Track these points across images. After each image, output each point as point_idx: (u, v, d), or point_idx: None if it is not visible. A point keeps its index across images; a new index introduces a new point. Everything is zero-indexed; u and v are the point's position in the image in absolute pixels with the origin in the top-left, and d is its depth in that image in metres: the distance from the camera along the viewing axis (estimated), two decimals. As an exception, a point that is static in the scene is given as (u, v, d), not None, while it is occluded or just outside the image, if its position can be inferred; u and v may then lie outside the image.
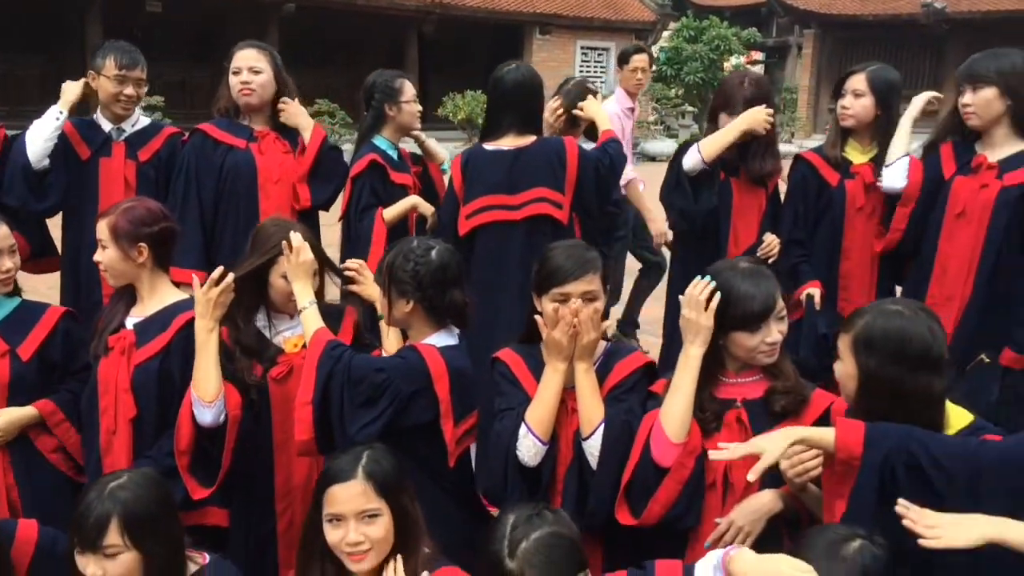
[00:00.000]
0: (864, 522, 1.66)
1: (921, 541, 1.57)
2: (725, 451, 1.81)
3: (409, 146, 3.70)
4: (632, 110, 5.06)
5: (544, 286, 2.21)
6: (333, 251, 2.97)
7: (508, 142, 3.17)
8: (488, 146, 3.21)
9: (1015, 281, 2.79)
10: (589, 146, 3.43)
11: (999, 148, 2.91)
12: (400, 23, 17.97)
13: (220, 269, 2.30)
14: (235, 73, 3.22)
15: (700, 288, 2.02)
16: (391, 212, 3.31)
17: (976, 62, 2.94)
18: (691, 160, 3.18)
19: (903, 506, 1.63)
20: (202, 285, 2.26)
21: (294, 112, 3.32)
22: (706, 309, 2.00)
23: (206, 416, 2.26)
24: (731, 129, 3.14)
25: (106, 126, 3.29)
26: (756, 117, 3.11)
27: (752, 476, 1.75)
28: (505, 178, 3.11)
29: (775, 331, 2.01)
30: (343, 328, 2.51)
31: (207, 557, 1.93)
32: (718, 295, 2.00)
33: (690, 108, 22.24)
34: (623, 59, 5.06)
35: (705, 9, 24.91)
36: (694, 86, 21.51)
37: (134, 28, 14.76)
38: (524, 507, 1.76)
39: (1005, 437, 1.78)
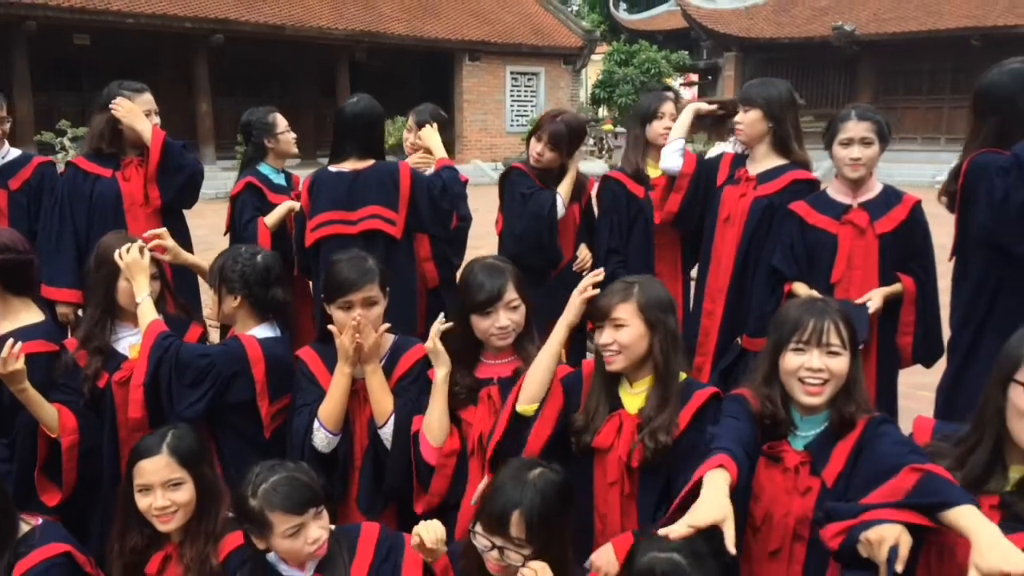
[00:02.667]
0: None
1: None
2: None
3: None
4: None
5: (331, 296, 2.58)
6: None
7: (349, 165, 3.56)
8: (332, 168, 3.61)
9: (759, 277, 3.28)
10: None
11: (760, 163, 3.41)
12: (330, 52, 18.36)
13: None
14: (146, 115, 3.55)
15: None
16: (271, 218, 3.76)
17: (748, 88, 3.45)
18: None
19: None
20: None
21: (128, 110, 3.49)
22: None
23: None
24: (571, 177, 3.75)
25: None
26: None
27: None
28: (345, 196, 3.50)
29: (503, 318, 2.43)
30: (186, 337, 2.87)
31: (40, 520, 2.28)
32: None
33: (621, 129, 22.95)
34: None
35: (638, 33, 25.82)
36: (626, 108, 22.26)
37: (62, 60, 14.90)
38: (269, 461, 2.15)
39: None
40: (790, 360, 2.05)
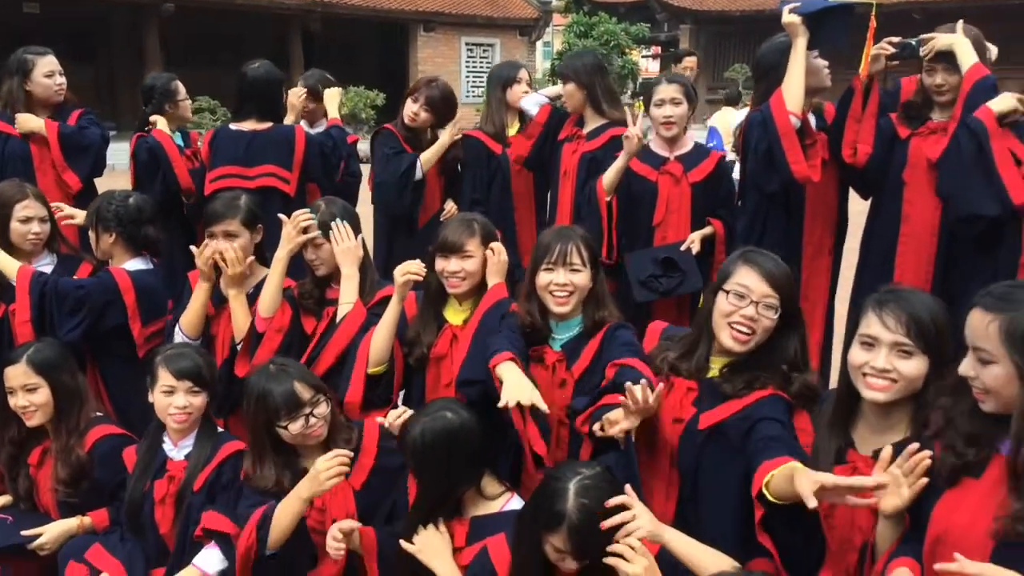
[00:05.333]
0: None
1: None
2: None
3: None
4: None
5: (204, 224, 3.06)
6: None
7: (248, 125, 3.97)
8: (233, 127, 4.02)
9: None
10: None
11: (589, 124, 3.89)
12: (283, 21, 18.52)
13: None
14: (48, 76, 4.00)
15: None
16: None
17: (563, 63, 3.95)
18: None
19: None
20: None
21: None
22: None
23: None
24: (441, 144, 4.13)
25: None
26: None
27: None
28: (243, 154, 3.91)
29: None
30: (78, 273, 3.27)
31: None
32: None
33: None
34: (677, 60, 7.71)
35: (599, 5, 26.06)
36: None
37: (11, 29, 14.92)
38: None
39: None
40: (542, 278, 2.50)
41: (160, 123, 4.04)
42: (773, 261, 2.18)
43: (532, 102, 4.11)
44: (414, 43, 20.35)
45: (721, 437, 2.14)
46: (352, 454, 2.36)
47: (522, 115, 4.24)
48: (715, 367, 2.25)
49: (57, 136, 3.95)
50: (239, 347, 2.97)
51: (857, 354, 1.91)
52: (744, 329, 2.14)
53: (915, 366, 1.87)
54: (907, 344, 1.86)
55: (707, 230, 3.60)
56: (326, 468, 2.29)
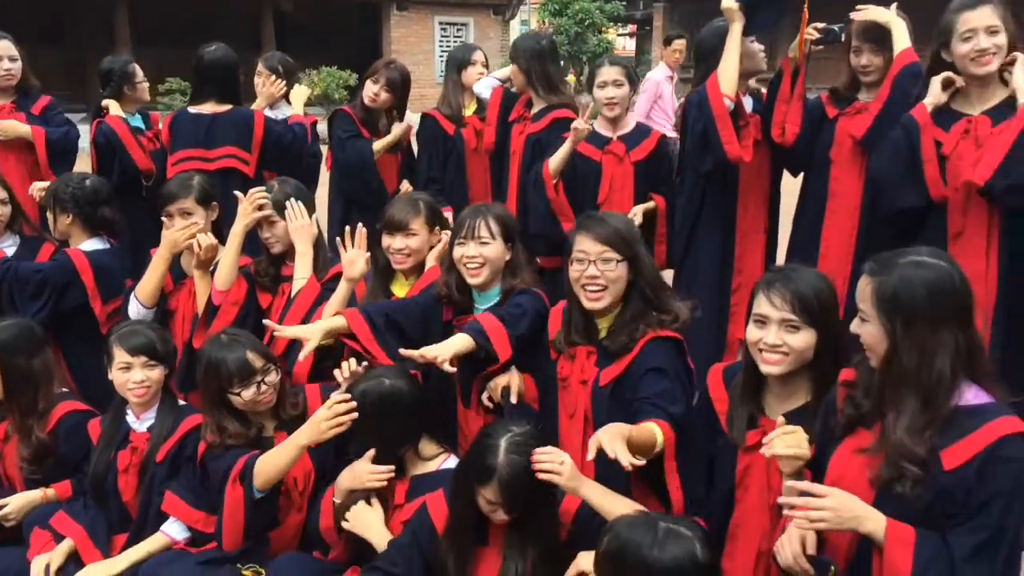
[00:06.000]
0: None
1: (819, 525, 1.75)
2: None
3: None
4: (671, 77, 7.11)
5: (160, 204, 3.19)
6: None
7: (208, 108, 4.06)
8: (192, 110, 4.11)
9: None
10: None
11: (535, 106, 4.04)
12: (255, 2, 18.37)
13: None
14: None
15: None
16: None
17: (513, 43, 4.11)
18: None
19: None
20: None
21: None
22: None
23: None
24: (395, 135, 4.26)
25: None
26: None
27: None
28: (203, 136, 4.01)
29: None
30: (40, 254, 3.38)
31: None
32: None
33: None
34: (667, 42, 7.51)
35: (575, -16, 25.99)
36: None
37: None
38: None
39: None
40: (456, 251, 2.68)
41: (113, 107, 4.11)
42: (602, 221, 2.40)
43: (484, 86, 4.25)
44: (387, 23, 20.23)
45: (622, 392, 2.32)
46: (355, 404, 2.41)
47: (479, 97, 4.37)
48: (603, 328, 2.44)
49: (44, 143, 4.04)
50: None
51: (752, 332, 2.09)
52: (593, 288, 2.35)
53: (803, 339, 2.03)
54: (793, 319, 2.02)
55: (649, 204, 3.76)
56: (327, 417, 2.38)
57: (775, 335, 2.03)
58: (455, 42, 21.68)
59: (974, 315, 1.77)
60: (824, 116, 3.45)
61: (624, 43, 29.18)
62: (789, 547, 1.80)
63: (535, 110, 4.01)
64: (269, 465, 2.50)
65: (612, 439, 1.91)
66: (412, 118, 4.43)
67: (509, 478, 2.05)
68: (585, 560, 2.02)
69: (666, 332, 2.35)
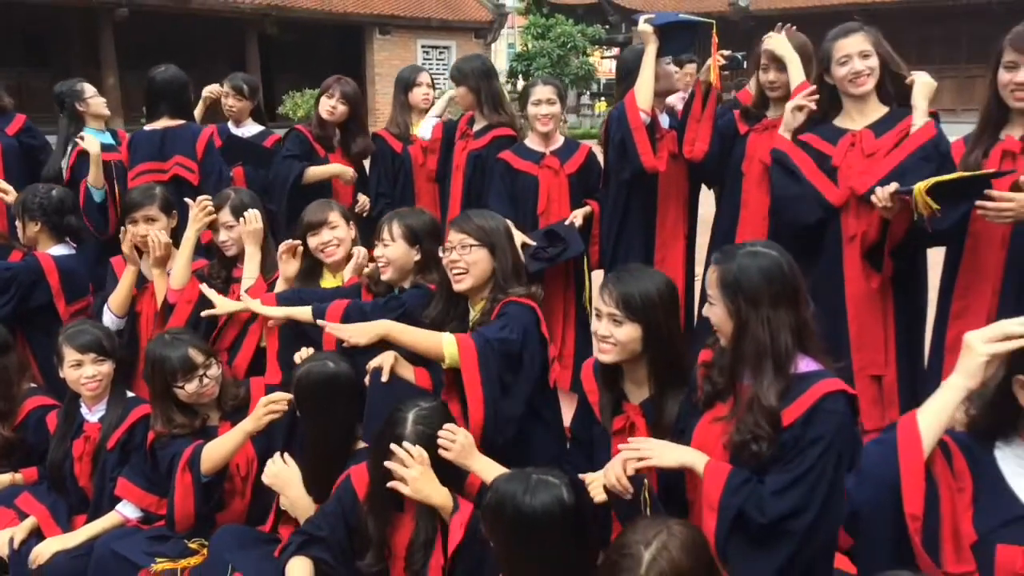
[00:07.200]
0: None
1: (645, 463, 2.04)
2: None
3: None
4: (683, 98, 7.18)
5: (124, 212, 3.47)
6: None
7: (161, 124, 4.38)
8: (147, 128, 4.42)
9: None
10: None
11: (477, 124, 4.35)
12: (239, 24, 18.76)
13: None
14: None
15: None
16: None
17: (454, 67, 4.38)
18: None
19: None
20: None
21: None
22: None
23: None
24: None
25: None
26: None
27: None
28: (158, 150, 4.33)
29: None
30: (10, 258, 3.65)
31: None
32: None
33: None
34: (679, 64, 7.46)
35: (557, 7, 26.51)
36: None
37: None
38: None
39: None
40: (375, 251, 3.03)
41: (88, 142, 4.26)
42: (468, 218, 2.73)
43: (426, 129, 4.50)
44: (370, 46, 20.67)
45: None
46: (289, 396, 2.68)
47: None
48: (475, 311, 2.78)
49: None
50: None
51: (593, 323, 2.40)
52: (456, 271, 2.69)
53: (626, 332, 2.31)
54: (617, 314, 2.31)
55: (586, 209, 4.05)
56: (265, 405, 2.67)
57: (604, 327, 2.33)
58: (437, 64, 22.09)
59: (803, 297, 2.05)
60: (736, 132, 3.77)
61: (610, 66, 29.73)
62: (612, 471, 2.07)
63: (477, 127, 4.31)
64: (216, 450, 2.75)
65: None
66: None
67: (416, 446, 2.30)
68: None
69: (522, 299, 2.66)
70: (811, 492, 1.88)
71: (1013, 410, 1.64)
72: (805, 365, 2.02)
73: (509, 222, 2.89)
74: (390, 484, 2.29)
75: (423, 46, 21.60)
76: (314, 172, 4.42)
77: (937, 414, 1.69)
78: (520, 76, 22.94)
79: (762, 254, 2.04)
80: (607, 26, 25.65)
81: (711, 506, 1.97)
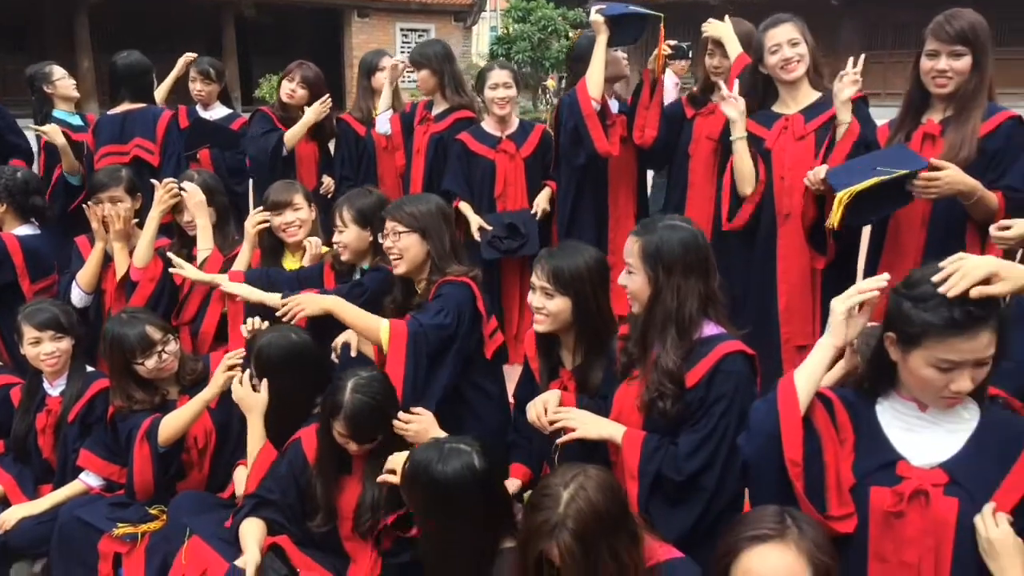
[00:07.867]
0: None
1: (570, 435, 2.26)
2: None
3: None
4: (676, 84, 7.26)
5: (90, 192, 3.58)
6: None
7: (123, 108, 4.48)
8: (110, 112, 4.52)
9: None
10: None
11: (437, 107, 4.46)
12: (216, 7, 18.66)
13: None
14: None
15: None
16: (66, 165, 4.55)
17: (414, 51, 4.46)
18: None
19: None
20: None
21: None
22: None
23: None
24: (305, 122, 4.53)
25: None
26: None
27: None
28: (119, 133, 4.43)
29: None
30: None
31: None
32: None
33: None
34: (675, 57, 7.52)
35: (542, -11, 26.40)
36: (523, 65, 22.98)
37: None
38: None
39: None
40: (334, 237, 3.15)
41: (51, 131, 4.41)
42: (400, 207, 2.84)
43: (383, 125, 4.56)
44: (348, 29, 20.59)
45: None
46: (241, 360, 2.81)
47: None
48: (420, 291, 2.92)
49: None
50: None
51: (529, 296, 2.55)
52: (392, 256, 2.83)
53: (556, 304, 2.46)
54: (548, 287, 2.46)
55: (547, 192, 4.19)
56: (223, 370, 2.80)
57: (538, 299, 2.48)
58: (417, 48, 22.10)
59: (712, 268, 2.20)
60: (683, 116, 3.91)
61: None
62: (535, 409, 2.33)
63: (437, 111, 4.42)
64: (175, 421, 2.87)
65: None
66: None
67: (353, 413, 2.42)
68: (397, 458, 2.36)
69: (458, 277, 2.79)
70: (717, 449, 2.06)
71: (890, 366, 1.79)
72: (709, 330, 2.18)
73: (455, 204, 2.99)
74: (379, 479, 2.41)
75: (402, 29, 21.53)
76: (291, 133, 4.51)
77: (811, 370, 1.85)
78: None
79: (680, 227, 2.19)
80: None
81: (632, 475, 2.15)
